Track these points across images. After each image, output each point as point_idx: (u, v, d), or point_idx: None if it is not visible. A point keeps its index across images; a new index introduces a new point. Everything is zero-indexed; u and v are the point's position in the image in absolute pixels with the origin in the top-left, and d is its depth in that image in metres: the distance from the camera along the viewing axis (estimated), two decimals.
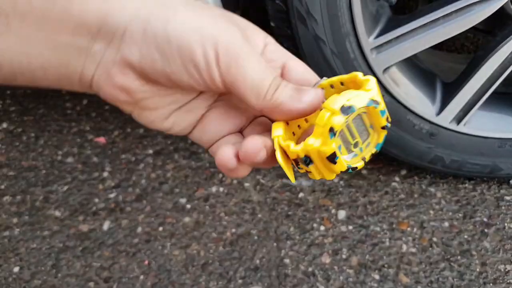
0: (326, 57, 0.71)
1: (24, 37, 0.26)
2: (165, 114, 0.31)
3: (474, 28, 0.72)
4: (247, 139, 0.28)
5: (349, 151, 0.28)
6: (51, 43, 0.27)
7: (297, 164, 0.29)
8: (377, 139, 0.30)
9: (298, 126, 0.32)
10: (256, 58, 0.28)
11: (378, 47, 0.71)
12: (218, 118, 0.32)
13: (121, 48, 0.27)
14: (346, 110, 0.26)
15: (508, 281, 0.71)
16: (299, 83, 0.31)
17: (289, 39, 0.72)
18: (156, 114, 0.31)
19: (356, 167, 0.28)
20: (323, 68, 0.72)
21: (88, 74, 0.29)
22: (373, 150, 0.30)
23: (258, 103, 0.28)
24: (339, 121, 0.26)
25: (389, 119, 0.29)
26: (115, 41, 0.27)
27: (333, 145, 0.26)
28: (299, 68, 0.32)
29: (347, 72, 0.72)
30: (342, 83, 0.30)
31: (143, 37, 0.27)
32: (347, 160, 0.28)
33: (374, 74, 0.73)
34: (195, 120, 0.32)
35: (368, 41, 0.70)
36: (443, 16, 0.69)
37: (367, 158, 0.29)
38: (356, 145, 0.29)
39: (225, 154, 0.29)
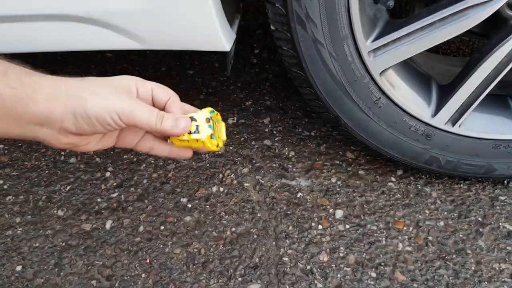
0: (325, 60, 0.73)
1: None
2: (94, 144, 0.51)
3: (469, 32, 0.73)
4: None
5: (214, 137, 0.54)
6: (11, 127, 0.45)
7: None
8: (223, 132, 0.58)
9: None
10: (142, 108, 0.48)
11: (376, 50, 0.72)
12: (131, 131, 0.54)
13: (63, 126, 0.46)
14: (209, 116, 0.55)
15: (503, 280, 0.73)
16: (178, 111, 0.53)
17: (288, 42, 0.73)
18: (88, 146, 0.51)
19: (219, 145, 0.55)
20: (321, 70, 0.74)
21: (41, 139, 0.47)
22: (224, 138, 0.57)
23: (152, 131, 0.51)
24: (208, 117, 0.54)
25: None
26: (57, 124, 0.46)
27: (210, 131, 0.53)
28: (176, 101, 0.53)
29: (345, 73, 0.74)
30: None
31: (74, 119, 0.46)
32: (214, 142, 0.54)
33: (371, 77, 0.74)
34: (115, 138, 0.54)
35: (366, 44, 0.71)
36: (439, 20, 0.70)
37: (222, 144, 0.56)
38: (211, 136, 0.54)
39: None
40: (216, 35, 0.72)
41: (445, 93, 0.79)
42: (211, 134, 0.54)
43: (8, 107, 0.43)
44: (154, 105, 0.52)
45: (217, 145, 0.55)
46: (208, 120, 0.55)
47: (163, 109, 0.53)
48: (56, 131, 0.46)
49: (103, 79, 0.49)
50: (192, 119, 0.54)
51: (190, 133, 0.53)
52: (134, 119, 0.47)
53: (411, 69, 0.83)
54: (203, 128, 0.54)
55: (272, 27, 0.73)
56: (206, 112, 0.55)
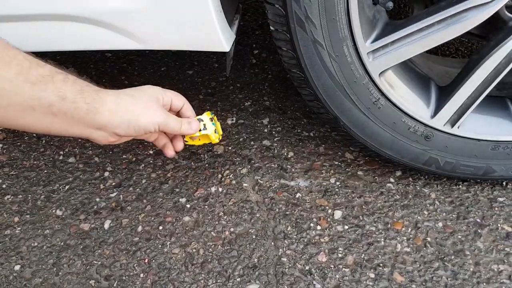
0: (324, 61, 0.73)
1: (59, 123, 0.59)
2: (127, 139, 0.69)
3: (468, 33, 0.73)
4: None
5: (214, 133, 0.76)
6: (75, 129, 0.61)
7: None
8: (220, 128, 0.77)
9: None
10: (172, 119, 0.68)
11: (375, 51, 0.72)
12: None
13: (115, 131, 0.63)
14: (211, 117, 0.77)
15: (501, 281, 0.73)
16: (192, 113, 0.74)
17: (288, 43, 0.73)
18: (122, 141, 0.69)
19: (220, 138, 0.77)
20: (320, 71, 0.74)
21: (93, 138, 0.64)
22: (221, 133, 0.77)
23: (177, 133, 0.72)
24: (211, 117, 0.77)
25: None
26: (111, 130, 0.63)
27: (214, 128, 0.76)
28: (187, 108, 0.74)
29: (344, 74, 0.74)
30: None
31: (127, 128, 0.64)
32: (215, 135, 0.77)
33: (371, 77, 0.74)
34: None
35: (365, 45, 0.71)
36: (438, 21, 0.70)
37: (220, 137, 0.77)
38: (215, 131, 0.76)
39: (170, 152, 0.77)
40: (215, 35, 0.73)
41: (444, 94, 0.79)
42: (215, 129, 0.76)
43: (80, 117, 0.59)
44: (171, 109, 0.72)
45: (218, 138, 0.76)
46: (211, 119, 0.75)
47: (178, 113, 0.73)
48: (108, 134, 0.64)
49: (141, 92, 0.67)
50: (200, 120, 0.74)
51: (200, 130, 0.74)
52: (167, 128, 0.68)
53: (410, 70, 0.83)
54: (208, 125, 0.75)
55: (271, 28, 0.74)
56: (207, 114, 0.76)
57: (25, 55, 0.56)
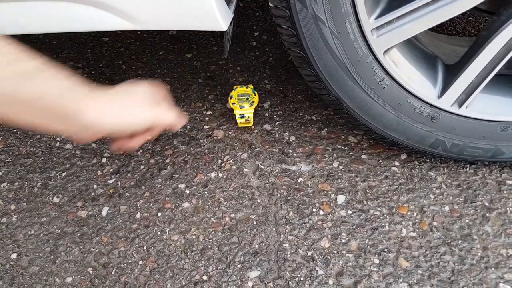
0: (326, 38, 0.70)
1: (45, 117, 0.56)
2: None
3: (476, 9, 0.70)
4: None
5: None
6: (55, 126, 0.58)
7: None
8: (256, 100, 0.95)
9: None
10: (162, 115, 0.67)
11: (379, 28, 0.69)
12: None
13: (101, 132, 0.59)
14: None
15: (510, 266, 0.71)
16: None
17: (287, 20, 0.70)
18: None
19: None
20: (322, 50, 0.71)
21: (76, 137, 0.60)
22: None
23: (169, 128, 0.71)
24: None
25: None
26: (97, 131, 0.59)
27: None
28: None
29: (347, 52, 0.71)
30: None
31: (115, 127, 0.61)
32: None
33: (375, 56, 0.71)
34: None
35: (369, 22, 0.68)
36: None
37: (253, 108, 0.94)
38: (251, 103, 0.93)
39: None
40: (212, 13, 0.69)
41: (452, 73, 0.76)
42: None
43: (66, 115, 0.55)
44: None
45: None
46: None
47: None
48: (93, 133, 0.60)
49: (131, 91, 0.63)
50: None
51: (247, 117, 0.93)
52: (159, 125, 0.67)
53: (416, 48, 0.80)
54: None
55: (270, 4, 0.70)
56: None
57: (15, 47, 0.53)
